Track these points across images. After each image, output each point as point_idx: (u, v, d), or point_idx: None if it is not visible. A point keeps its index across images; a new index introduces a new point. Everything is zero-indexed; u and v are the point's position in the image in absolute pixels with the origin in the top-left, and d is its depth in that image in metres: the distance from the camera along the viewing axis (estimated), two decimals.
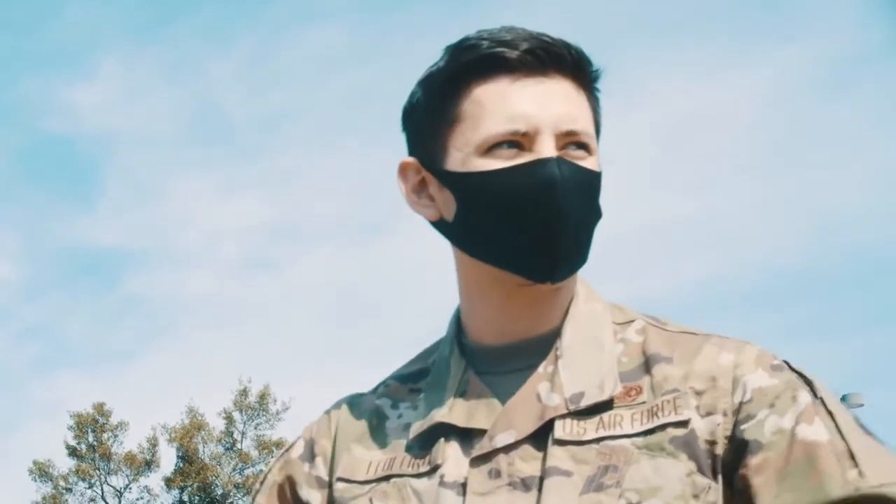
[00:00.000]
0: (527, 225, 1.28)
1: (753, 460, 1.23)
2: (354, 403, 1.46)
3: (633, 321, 1.37)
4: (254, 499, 1.45)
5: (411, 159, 1.38)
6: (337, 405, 1.47)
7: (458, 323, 1.41)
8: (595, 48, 1.33)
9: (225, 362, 46.21)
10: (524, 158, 1.28)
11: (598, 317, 1.36)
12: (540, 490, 1.25)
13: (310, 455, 1.44)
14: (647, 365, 1.31)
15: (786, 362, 1.30)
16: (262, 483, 1.46)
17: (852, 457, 1.21)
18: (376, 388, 1.46)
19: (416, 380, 1.42)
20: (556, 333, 1.35)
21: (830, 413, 1.24)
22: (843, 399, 26.57)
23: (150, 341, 46.06)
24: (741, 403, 1.26)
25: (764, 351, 1.31)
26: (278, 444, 31.91)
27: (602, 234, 1.34)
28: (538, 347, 1.34)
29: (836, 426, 1.23)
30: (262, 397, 32.15)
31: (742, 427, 1.25)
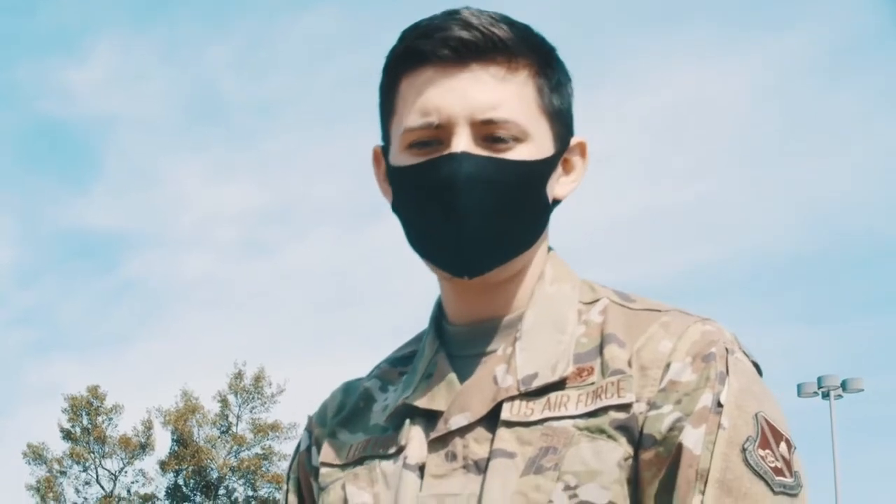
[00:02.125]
0: (433, 222, 1.30)
1: (646, 454, 1.23)
2: (348, 389, 1.48)
3: (598, 300, 1.36)
4: (286, 500, 1.48)
5: (380, 146, 1.40)
6: (332, 393, 1.50)
7: (440, 306, 1.42)
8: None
9: (220, 345, 46.31)
10: (436, 154, 1.29)
11: (565, 298, 1.36)
12: (486, 472, 1.26)
13: (311, 445, 1.47)
14: (602, 345, 1.30)
15: (727, 349, 1.27)
16: (287, 482, 1.50)
17: (706, 482, 1.20)
18: (370, 372, 1.48)
19: (406, 363, 1.44)
20: (520, 316, 1.35)
21: (720, 426, 1.22)
22: (843, 385, 25.27)
23: (146, 324, 46.13)
24: (658, 391, 1.25)
25: (709, 332, 1.28)
26: (273, 427, 31.98)
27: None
28: (502, 330, 1.35)
29: (715, 441, 1.22)
30: (257, 380, 32.20)
31: (648, 415, 1.24)
